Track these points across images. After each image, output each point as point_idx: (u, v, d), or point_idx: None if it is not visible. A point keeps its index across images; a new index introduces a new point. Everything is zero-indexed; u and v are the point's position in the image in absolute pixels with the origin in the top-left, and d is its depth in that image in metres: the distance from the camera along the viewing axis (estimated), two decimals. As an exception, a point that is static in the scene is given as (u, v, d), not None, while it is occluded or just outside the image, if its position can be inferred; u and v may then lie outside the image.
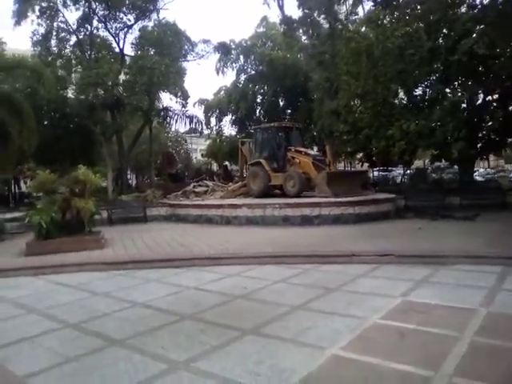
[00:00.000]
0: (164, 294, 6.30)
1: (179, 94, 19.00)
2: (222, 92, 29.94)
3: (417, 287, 6.14)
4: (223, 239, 10.75)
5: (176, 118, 21.72)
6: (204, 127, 27.39)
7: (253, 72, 27.77)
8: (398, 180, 26.97)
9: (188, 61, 20.79)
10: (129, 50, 19.45)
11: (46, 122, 19.24)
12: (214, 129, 29.59)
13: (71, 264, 8.33)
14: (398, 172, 29.68)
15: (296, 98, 26.01)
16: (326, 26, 22.37)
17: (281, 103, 27.95)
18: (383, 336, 4.35)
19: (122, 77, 17.77)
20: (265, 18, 28.71)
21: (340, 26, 21.13)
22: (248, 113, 28.22)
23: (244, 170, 19.94)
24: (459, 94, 12.98)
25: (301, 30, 22.54)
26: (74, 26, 19.69)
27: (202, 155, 36.49)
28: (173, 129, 28.64)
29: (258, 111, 29.54)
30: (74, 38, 20.01)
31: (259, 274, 7.49)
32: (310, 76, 23.79)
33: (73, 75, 19.23)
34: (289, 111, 28.87)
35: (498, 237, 9.57)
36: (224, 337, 4.50)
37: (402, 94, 16.64)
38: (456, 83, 14.50)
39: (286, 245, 9.48)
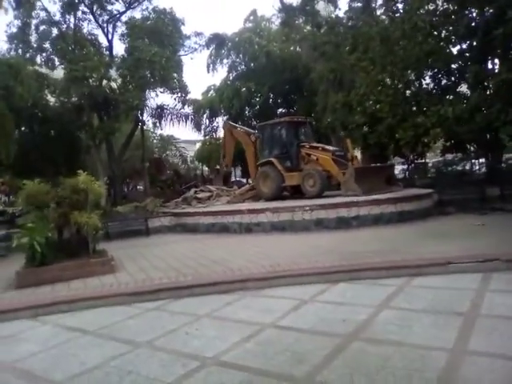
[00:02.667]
0: (236, 339, 4.40)
1: (177, 89, 16.89)
2: (212, 91, 28.01)
3: None
4: (258, 251, 8.91)
5: (171, 117, 19.63)
6: (198, 129, 25.40)
7: (244, 68, 25.99)
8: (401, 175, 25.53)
9: (180, 55, 18.70)
10: (118, 44, 17.19)
11: (23, 128, 16.89)
12: (206, 130, 27.59)
13: (82, 298, 6.29)
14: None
15: (294, 92, 24.35)
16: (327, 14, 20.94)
17: (275, 99, 26.18)
18: None
19: (113, 72, 15.59)
20: (254, 12, 27.00)
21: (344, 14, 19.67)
22: (241, 112, 26.44)
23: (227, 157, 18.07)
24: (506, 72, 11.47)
25: (300, 20, 20.93)
26: (56, 18, 17.36)
27: (185, 161, 33.82)
28: (167, 130, 26.29)
29: (247, 111, 27.78)
30: (55, 31, 17.64)
31: (340, 296, 5.67)
32: (309, 68, 22.23)
33: (55, 72, 16.83)
34: (281, 109, 27.14)
35: None
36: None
37: (428, 79, 15.12)
38: (498, 60, 13.03)
39: (341, 254, 7.70)
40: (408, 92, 15.41)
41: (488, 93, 12.54)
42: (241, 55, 25.16)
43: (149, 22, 15.99)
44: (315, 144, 15.38)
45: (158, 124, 19.62)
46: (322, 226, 11.15)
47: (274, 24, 27.13)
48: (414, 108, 14.40)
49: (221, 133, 29.61)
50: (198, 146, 30.63)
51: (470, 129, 12.20)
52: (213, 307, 5.63)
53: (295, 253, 8.29)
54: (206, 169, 30.79)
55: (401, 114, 14.58)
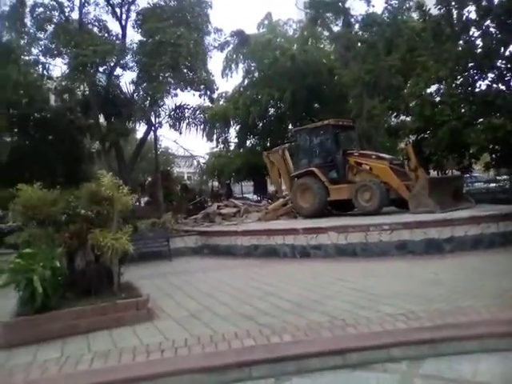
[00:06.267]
0: None
1: (203, 85, 14.28)
2: (223, 100, 25.65)
3: None
4: (352, 288, 6.33)
5: (189, 121, 16.92)
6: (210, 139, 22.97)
7: (261, 74, 23.81)
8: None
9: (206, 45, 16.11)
10: (131, 32, 14.02)
11: (15, 129, 14.08)
12: (219, 141, 25.21)
13: (123, 379, 3.65)
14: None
15: (316, 100, 22.16)
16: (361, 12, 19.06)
17: (294, 109, 23.89)
18: None
19: (127, 60, 12.99)
20: (269, 15, 24.93)
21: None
22: (255, 122, 24.08)
23: (282, 184, 15.65)
24: None
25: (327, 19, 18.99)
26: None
27: (202, 174, 30.98)
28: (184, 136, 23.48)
29: (260, 123, 25.39)
30: (56, 15, 14.72)
31: None
32: (334, 73, 20.20)
33: (54, 67, 14.13)
34: (298, 123, 24.91)
35: None
36: None
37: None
38: None
39: (498, 296, 5.23)
40: (472, 91, 13.18)
41: None
42: (256, 60, 22.99)
43: (171, 4, 13.47)
44: (367, 152, 13.08)
45: (176, 128, 16.78)
46: (405, 251, 8.67)
47: (291, 27, 25.19)
48: (478, 110, 12.17)
49: (231, 145, 27.30)
50: (201, 159, 27.97)
51: None
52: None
53: (417, 292, 5.74)
54: (216, 184, 28.26)
55: (468, 115, 12.33)
